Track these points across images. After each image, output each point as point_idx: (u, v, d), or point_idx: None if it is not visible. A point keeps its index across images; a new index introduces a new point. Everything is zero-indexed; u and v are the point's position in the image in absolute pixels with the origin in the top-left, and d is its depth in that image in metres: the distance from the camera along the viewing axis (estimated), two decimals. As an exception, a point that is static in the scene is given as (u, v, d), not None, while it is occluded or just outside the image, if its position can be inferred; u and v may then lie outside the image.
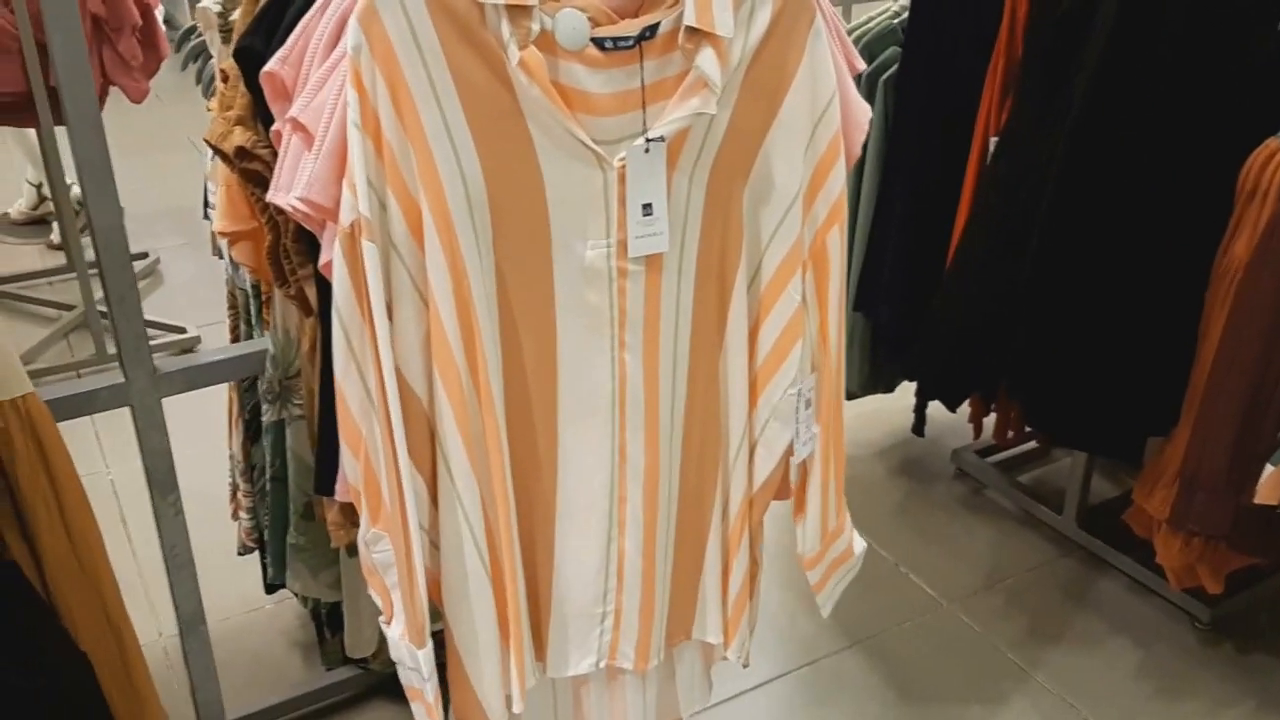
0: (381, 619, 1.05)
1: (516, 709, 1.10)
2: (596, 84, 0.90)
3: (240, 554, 1.79)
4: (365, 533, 1.01)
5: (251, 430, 1.71)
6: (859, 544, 1.23)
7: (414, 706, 1.04)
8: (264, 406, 1.31)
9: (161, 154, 4.06)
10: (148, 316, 1.15)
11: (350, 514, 1.21)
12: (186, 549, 1.28)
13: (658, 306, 1.01)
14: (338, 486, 1.12)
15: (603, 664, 1.15)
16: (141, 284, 2.99)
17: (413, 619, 1.00)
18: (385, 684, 1.84)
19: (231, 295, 1.67)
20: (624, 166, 0.93)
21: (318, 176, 0.88)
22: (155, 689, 1.04)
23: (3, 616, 0.80)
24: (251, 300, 1.44)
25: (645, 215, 0.97)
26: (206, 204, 1.72)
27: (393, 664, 1.77)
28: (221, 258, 1.64)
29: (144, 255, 3.15)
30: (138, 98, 2.53)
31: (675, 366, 1.04)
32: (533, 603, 1.09)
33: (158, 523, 1.25)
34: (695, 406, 1.07)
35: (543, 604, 1.11)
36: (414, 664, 1.01)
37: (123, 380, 1.18)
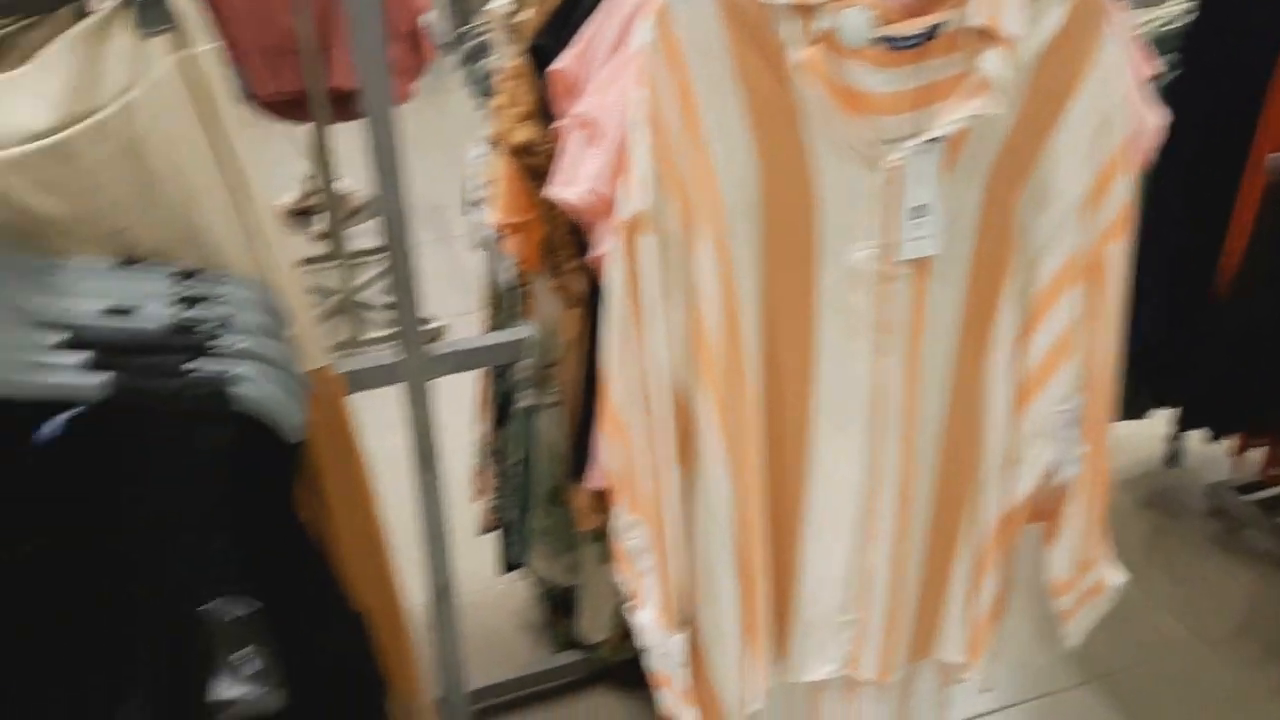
0: (629, 605, 1.07)
1: (754, 708, 1.10)
2: (876, 83, 0.89)
3: (481, 534, 1.88)
4: (621, 519, 1.03)
5: (500, 416, 1.79)
6: (1117, 576, 1.17)
7: (660, 693, 1.06)
8: (519, 393, 1.37)
9: (412, 155, 4.27)
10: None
11: (599, 501, 1.24)
12: (440, 524, 1.35)
13: (923, 312, 0.99)
14: (591, 473, 1.15)
15: (842, 672, 1.14)
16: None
17: (667, 605, 1.02)
18: (611, 671, 1.88)
19: (490, 288, 1.75)
20: (899, 167, 0.92)
21: (600, 171, 0.92)
22: (416, 653, 1.10)
23: (300, 573, 0.87)
24: (512, 292, 1.51)
25: (916, 218, 0.95)
26: (468, 201, 1.80)
27: (620, 652, 1.83)
28: (484, 251, 1.72)
29: (397, 248, 3.33)
30: (403, 99, 2.69)
31: (936, 375, 1.02)
32: (777, 604, 1.09)
33: (419, 496, 1.32)
34: (955, 417, 1.04)
35: (787, 606, 1.10)
36: (665, 649, 1.03)
37: (397, 359, 1.25)
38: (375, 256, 3.15)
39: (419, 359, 1.25)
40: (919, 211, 0.94)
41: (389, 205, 1.15)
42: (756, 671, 1.08)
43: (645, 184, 0.90)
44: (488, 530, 1.88)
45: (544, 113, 1.06)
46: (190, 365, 0.75)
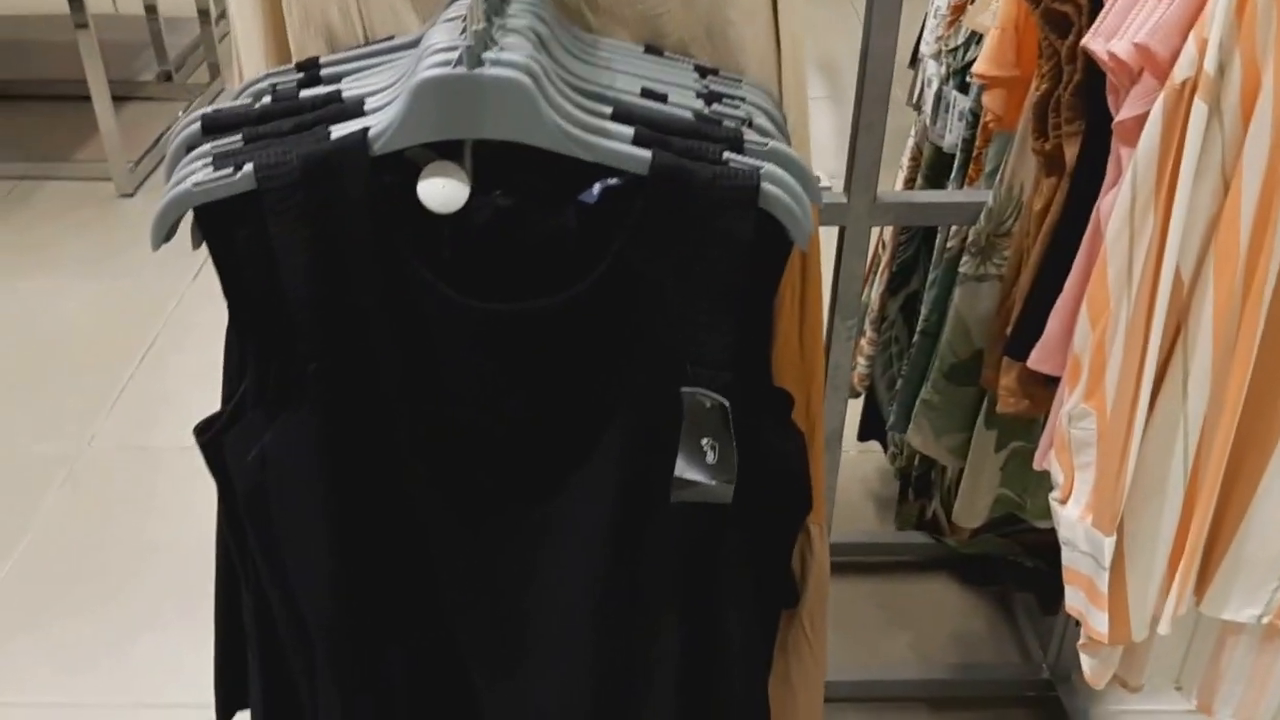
0: (1054, 496, 1.03)
1: (1163, 630, 1.04)
2: None
3: (850, 397, 1.87)
4: (1073, 406, 0.98)
5: (895, 282, 1.75)
6: None
7: (1072, 591, 1.01)
8: (964, 259, 1.32)
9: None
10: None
11: (1027, 384, 1.18)
12: (847, 372, 1.34)
13: None
14: (1035, 352, 1.09)
15: (1265, 620, 1.05)
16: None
17: (1106, 503, 0.96)
18: (953, 561, 1.85)
19: (917, 147, 1.69)
20: None
21: (1164, 24, 0.83)
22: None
23: (768, 378, 0.88)
24: (958, 154, 1.44)
25: None
26: (916, 52, 1.73)
27: (970, 545, 1.79)
28: (919, 110, 1.65)
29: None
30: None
31: None
32: (1216, 532, 1.02)
33: (830, 343, 1.31)
34: None
35: (1223, 536, 1.02)
36: (1090, 549, 0.98)
37: (844, 202, 1.23)
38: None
39: (866, 203, 1.23)
40: None
41: (877, 43, 1.11)
42: (1175, 596, 1.02)
43: (1212, 44, 0.81)
44: (854, 395, 1.86)
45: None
46: (725, 155, 0.76)
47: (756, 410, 0.85)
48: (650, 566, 0.88)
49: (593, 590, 0.89)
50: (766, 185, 0.76)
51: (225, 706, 1.03)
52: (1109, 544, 0.97)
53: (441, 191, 0.75)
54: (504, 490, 0.86)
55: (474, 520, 0.87)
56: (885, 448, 1.88)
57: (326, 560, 0.85)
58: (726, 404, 0.80)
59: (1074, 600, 1.02)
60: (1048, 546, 1.81)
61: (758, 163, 0.76)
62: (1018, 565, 1.81)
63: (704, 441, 0.82)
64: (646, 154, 0.75)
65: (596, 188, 0.77)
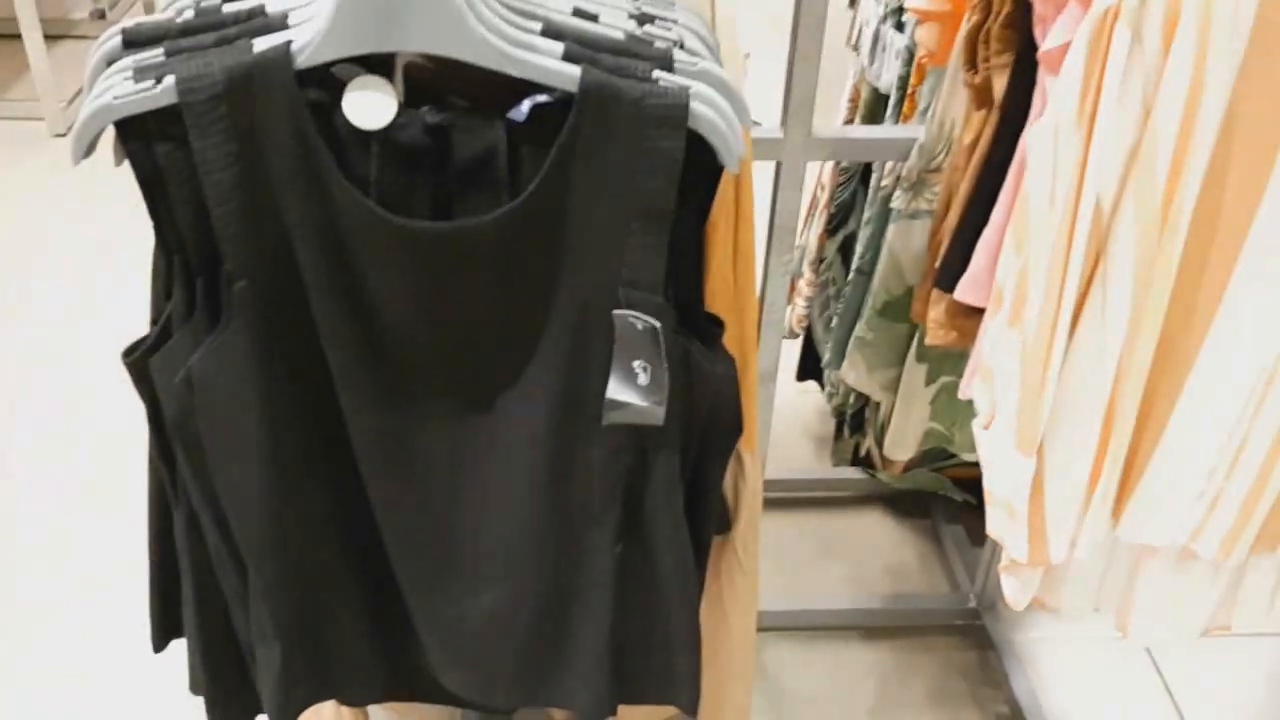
0: (977, 422, 1.05)
1: (1080, 554, 1.07)
2: None
3: (785, 338, 1.89)
4: (996, 333, 1.00)
5: (833, 223, 1.76)
6: None
7: (993, 514, 1.04)
8: (896, 194, 1.33)
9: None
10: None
11: (955, 316, 1.20)
12: (782, 308, 1.36)
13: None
14: (962, 284, 1.12)
15: (1179, 543, 1.09)
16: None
17: (1026, 428, 0.99)
18: (886, 496, 1.89)
19: (855, 89, 1.70)
20: None
21: (1089, -47, 0.85)
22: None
23: (697, 305, 0.89)
24: (894, 92, 1.45)
25: None
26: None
27: (903, 480, 1.83)
28: (857, 51, 1.66)
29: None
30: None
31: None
32: (1133, 457, 1.05)
33: (764, 279, 1.33)
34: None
35: (1139, 461, 1.05)
36: (1012, 471, 1.01)
37: (779, 137, 1.24)
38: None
39: (802, 137, 1.23)
40: None
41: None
42: (1093, 520, 1.05)
43: (1137, -26, 0.82)
44: (792, 336, 1.89)
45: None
46: (655, 74, 0.76)
47: (687, 334, 0.86)
48: (582, 487, 0.89)
49: (525, 510, 0.90)
50: (696, 104, 0.76)
51: (162, 635, 1.03)
52: (1029, 467, 1.00)
53: (368, 106, 0.75)
54: (435, 411, 0.87)
55: (405, 441, 0.88)
56: (822, 387, 1.90)
57: (256, 481, 0.85)
58: (658, 326, 0.80)
59: (994, 523, 1.05)
60: (976, 481, 1.85)
61: (688, 82, 0.77)
62: (947, 500, 1.86)
63: (635, 364, 0.83)
64: (576, 70, 0.75)
65: (526, 105, 0.77)
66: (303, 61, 0.73)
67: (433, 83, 0.81)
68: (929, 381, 1.47)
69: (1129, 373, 0.98)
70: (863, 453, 1.88)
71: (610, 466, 0.88)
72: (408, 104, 0.77)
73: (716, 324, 0.89)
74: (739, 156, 0.79)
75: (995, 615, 1.64)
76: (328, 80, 0.75)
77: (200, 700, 1.00)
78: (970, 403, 1.40)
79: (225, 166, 0.75)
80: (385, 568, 0.93)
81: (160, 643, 1.04)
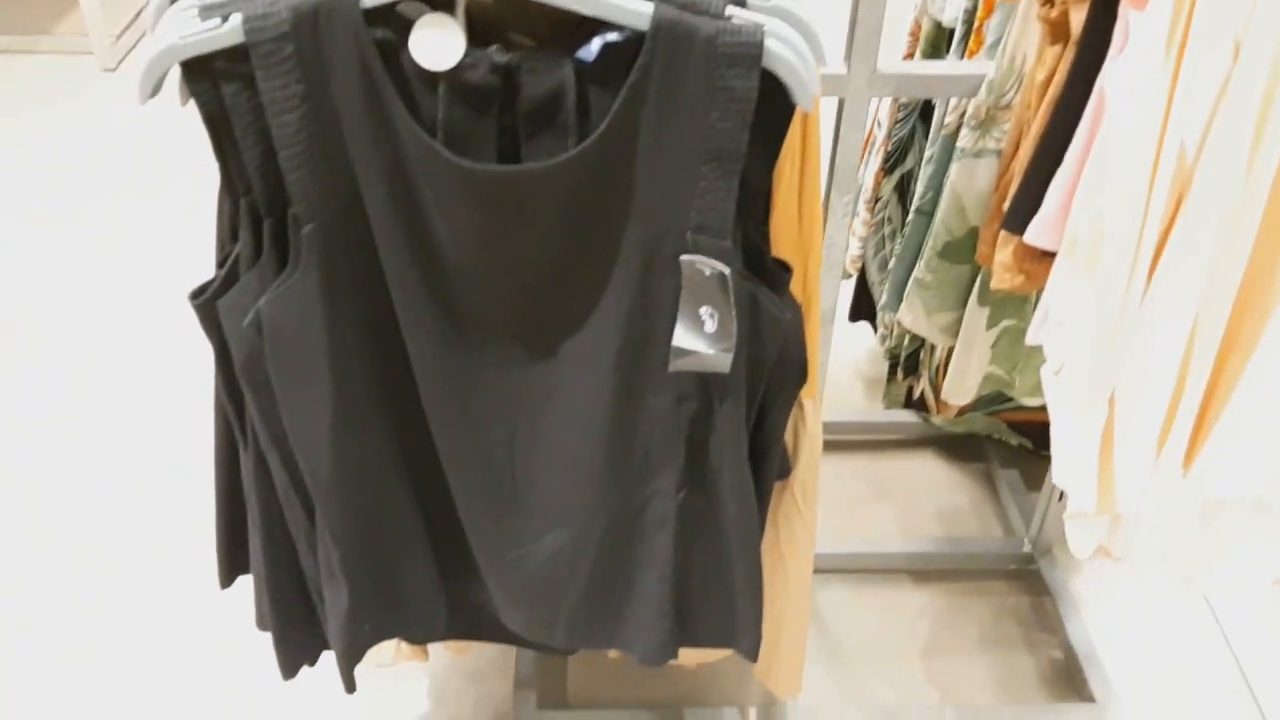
0: (1047, 368, 1.04)
1: (1149, 501, 1.06)
2: None
3: (842, 279, 1.86)
4: (1069, 278, 0.98)
5: (890, 161, 1.73)
6: None
7: (1058, 462, 1.03)
8: (962, 133, 1.30)
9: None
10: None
11: (1023, 259, 1.18)
12: (842, 249, 1.33)
13: None
14: (1033, 226, 1.09)
15: (1251, 492, 1.07)
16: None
17: (1100, 375, 0.97)
18: (939, 439, 1.87)
19: (916, 23, 1.65)
20: None
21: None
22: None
23: (765, 245, 0.87)
24: (959, 26, 1.41)
25: None
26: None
27: (957, 424, 1.81)
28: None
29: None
30: None
31: None
32: (1204, 404, 1.02)
33: (831, 219, 1.30)
34: None
35: (1213, 409, 1.03)
36: (1082, 416, 0.99)
37: (843, 73, 1.21)
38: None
39: (866, 73, 1.20)
40: None
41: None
42: (1163, 469, 1.03)
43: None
44: (844, 277, 1.86)
45: None
46: (729, 11, 0.74)
47: (755, 279, 0.85)
48: (646, 433, 0.89)
49: (588, 455, 0.89)
50: (771, 42, 0.74)
51: (228, 572, 1.04)
52: (1100, 415, 0.98)
53: (435, 45, 0.73)
54: (499, 355, 0.86)
55: (469, 384, 0.87)
56: (875, 329, 1.88)
57: (325, 423, 0.85)
58: (726, 272, 0.79)
59: (1061, 472, 1.03)
60: (1033, 424, 1.84)
61: (762, 18, 0.74)
62: (1002, 443, 1.84)
63: (703, 310, 0.82)
64: (648, 6, 0.73)
65: (596, 43, 0.75)
66: (369, 1, 0.72)
67: (494, 23, 0.79)
68: (990, 325, 1.44)
69: (1208, 320, 0.95)
70: (916, 395, 1.86)
71: (674, 414, 0.88)
72: (472, 38, 0.75)
73: (784, 269, 0.88)
74: (811, 95, 0.77)
75: (1050, 560, 1.63)
76: (395, 20, 0.74)
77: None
78: (1031, 347, 1.38)
79: (292, 108, 0.74)
80: (449, 508, 0.93)
81: (227, 579, 1.05)
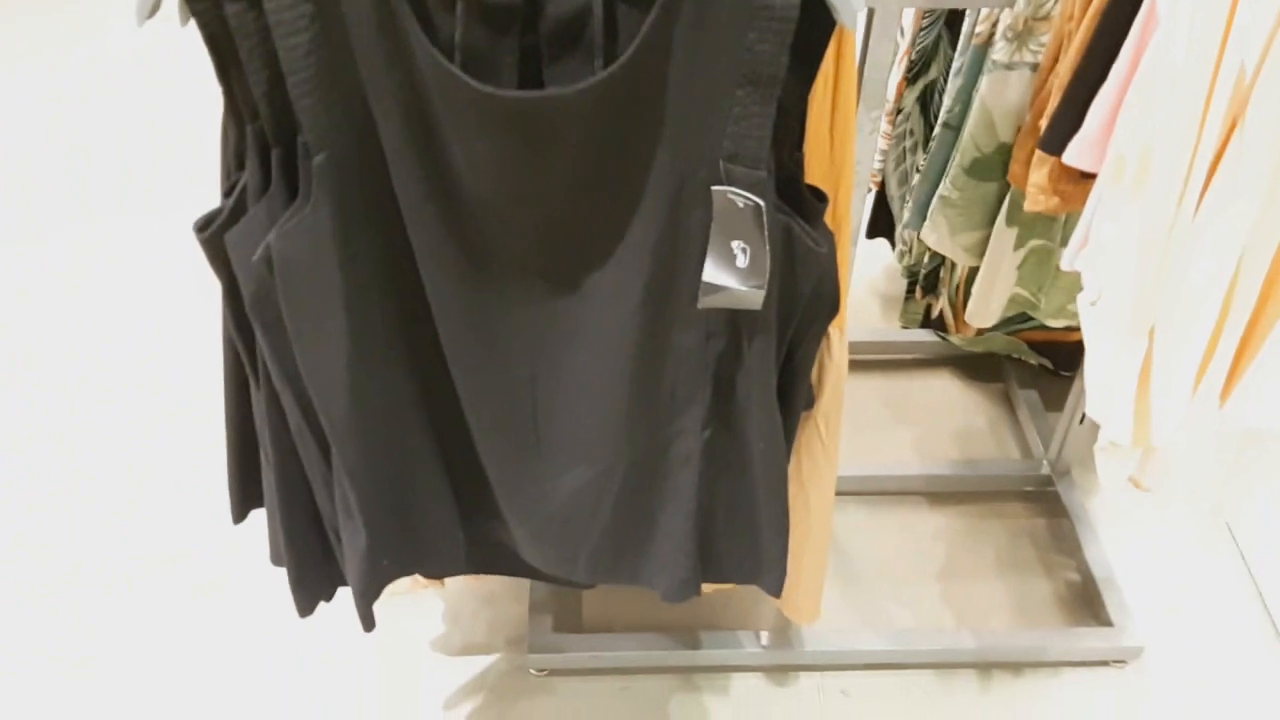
0: (1084, 297, 1.00)
1: (1184, 435, 1.03)
2: None
3: (860, 192, 1.81)
4: (1113, 202, 0.93)
5: (913, 70, 1.66)
6: None
7: (1093, 393, 0.99)
8: (997, 44, 1.24)
9: None
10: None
11: (1059, 180, 1.13)
12: (868, 168, 1.28)
13: None
14: (1073, 146, 1.04)
15: (1287, 425, 1.04)
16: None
17: (1141, 306, 0.94)
18: (957, 358, 1.84)
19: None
20: None
21: None
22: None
23: (800, 174, 0.83)
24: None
25: None
26: None
27: (975, 344, 1.78)
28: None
29: None
30: None
31: None
32: (1244, 338, 0.99)
33: (860, 135, 1.25)
34: None
35: (1252, 344, 1.00)
36: (1119, 351, 0.96)
37: (873, -17, 1.15)
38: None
39: (897, -15, 1.14)
40: None
41: None
42: (1200, 402, 1.00)
43: None
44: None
45: None
46: (768, -76, 0.68)
47: (789, 210, 0.81)
48: (672, 370, 0.86)
49: (611, 392, 0.86)
50: (813, -42, 0.68)
51: (241, 506, 1.02)
52: (1139, 349, 0.95)
53: (453, -37, 0.68)
54: (521, 289, 0.83)
55: (489, 319, 0.84)
56: (893, 245, 1.84)
57: (340, 361, 0.82)
58: (761, 204, 0.75)
59: (1096, 404, 1.00)
60: (1054, 344, 1.81)
61: (804, -66, 0.69)
62: (1021, 363, 1.81)
63: (735, 244, 0.78)
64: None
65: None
66: (382, -87, 0.67)
67: None
68: (1018, 245, 1.40)
69: (1255, 252, 0.91)
70: (935, 314, 1.82)
71: (701, 351, 0.84)
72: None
73: (819, 198, 0.83)
74: (854, 12, 0.71)
75: (1069, 482, 1.61)
76: (408, -68, 0.69)
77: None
78: (1058, 268, 1.34)
79: (301, 29, 0.69)
80: (468, 445, 0.91)
81: (240, 514, 1.03)
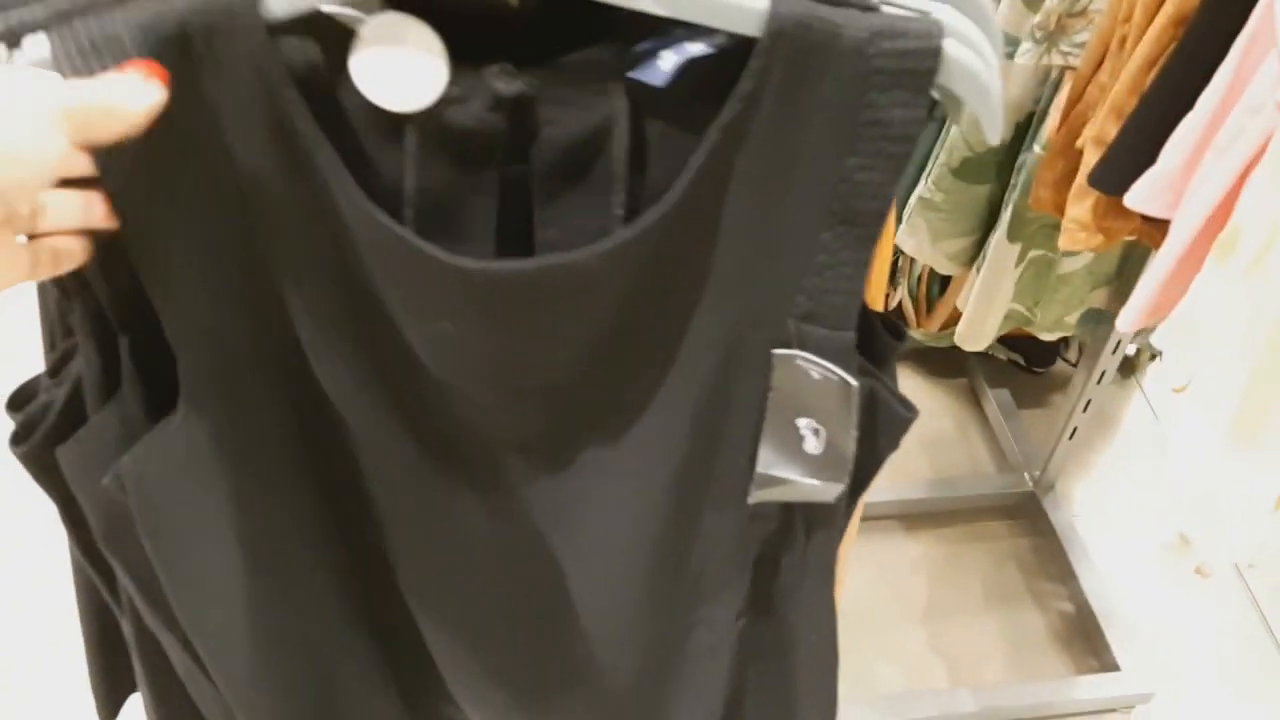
0: (1169, 383, 0.81)
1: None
2: None
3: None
4: (1221, 281, 0.74)
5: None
6: None
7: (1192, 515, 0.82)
8: (1023, 46, 1.02)
9: None
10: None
11: (1105, 218, 0.94)
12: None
13: None
14: (1141, 188, 0.84)
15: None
16: None
17: (1252, 410, 0.76)
18: (915, 354, 1.66)
19: None
20: None
21: None
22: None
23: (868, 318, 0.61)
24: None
25: None
26: None
27: (939, 339, 1.60)
28: None
29: None
30: None
31: None
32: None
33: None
34: None
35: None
36: (1213, 462, 0.79)
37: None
38: None
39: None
40: None
41: None
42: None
43: None
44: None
45: None
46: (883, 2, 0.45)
47: (873, 370, 0.59)
48: (701, 556, 0.64)
49: (631, 580, 0.64)
50: (950, 44, 0.45)
51: (110, 706, 0.77)
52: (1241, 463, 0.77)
53: (397, 71, 0.43)
54: (500, 477, 0.59)
55: (459, 521, 0.60)
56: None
57: (235, 613, 0.57)
58: (853, 384, 0.53)
59: (1193, 520, 0.83)
60: (1025, 339, 1.64)
61: (926, 6, 0.46)
62: (986, 357, 1.64)
63: (802, 423, 0.56)
64: (763, 1, 0.43)
65: (669, 58, 0.45)
66: (280, 7, 0.40)
67: (501, 21, 0.48)
68: (1019, 261, 1.21)
69: None
70: (892, 305, 1.64)
71: (741, 534, 0.63)
72: (457, 55, 0.44)
73: (895, 334, 0.61)
74: (1000, 126, 0.49)
75: (1054, 499, 1.46)
76: (324, 33, 0.42)
77: None
78: (1058, 278, 1.17)
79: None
80: (422, 678, 0.67)
81: (111, 713, 0.78)
